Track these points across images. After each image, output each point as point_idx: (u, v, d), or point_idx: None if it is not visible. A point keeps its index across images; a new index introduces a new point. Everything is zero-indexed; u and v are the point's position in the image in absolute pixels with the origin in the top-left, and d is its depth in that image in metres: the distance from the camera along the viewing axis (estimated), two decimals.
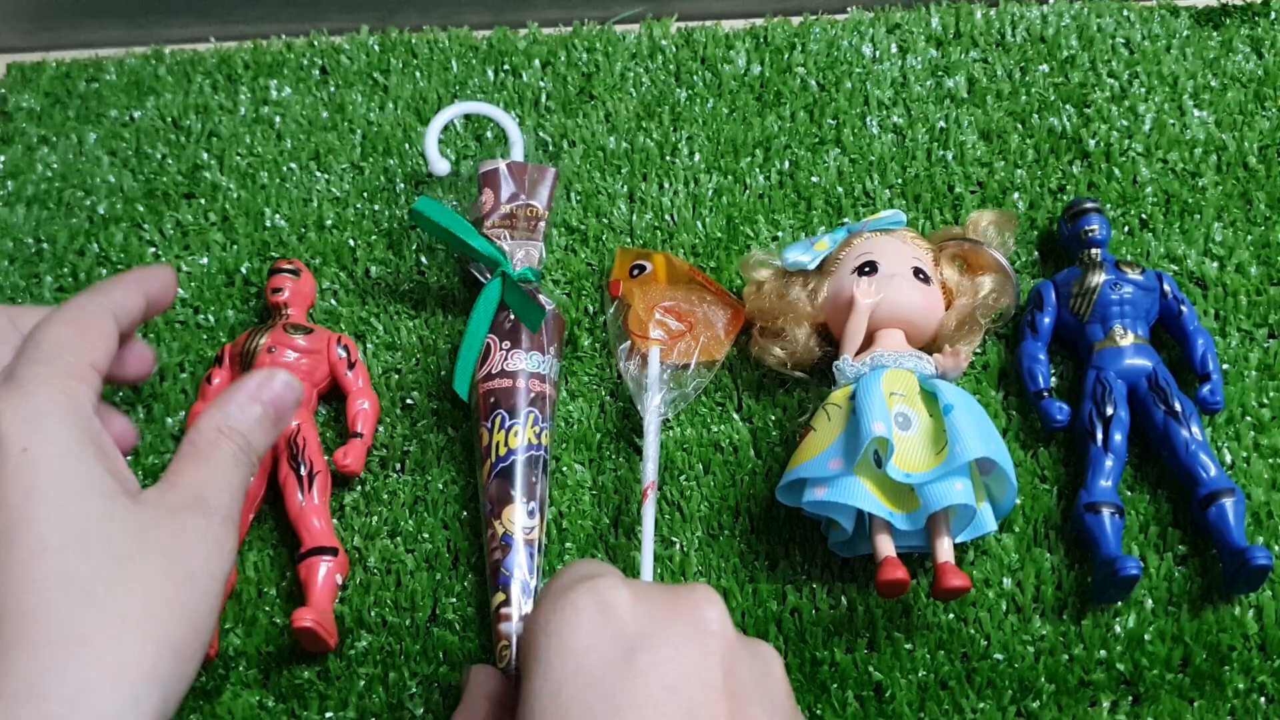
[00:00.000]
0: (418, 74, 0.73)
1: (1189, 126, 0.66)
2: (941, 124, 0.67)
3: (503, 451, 0.53)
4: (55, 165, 0.72)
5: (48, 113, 0.74)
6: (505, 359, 0.55)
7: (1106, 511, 0.52)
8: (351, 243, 0.66)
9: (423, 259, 0.65)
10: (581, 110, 0.70)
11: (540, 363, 0.56)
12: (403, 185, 0.68)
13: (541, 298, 0.58)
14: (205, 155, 0.71)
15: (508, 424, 0.53)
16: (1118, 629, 0.52)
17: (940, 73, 0.70)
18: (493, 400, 0.55)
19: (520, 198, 0.60)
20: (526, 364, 0.55)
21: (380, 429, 0.60)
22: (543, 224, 0.60)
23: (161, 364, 0.63)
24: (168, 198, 0.69)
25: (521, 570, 0.51)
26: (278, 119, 0.72)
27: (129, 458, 0.52)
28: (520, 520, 0.52)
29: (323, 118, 0.72)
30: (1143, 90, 0.68)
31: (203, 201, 0.69)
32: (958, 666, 0.52)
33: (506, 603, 0.50)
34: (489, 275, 0.58)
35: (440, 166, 0.60)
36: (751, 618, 0.53)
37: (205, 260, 0.66)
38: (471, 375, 0.54)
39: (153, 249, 0.67)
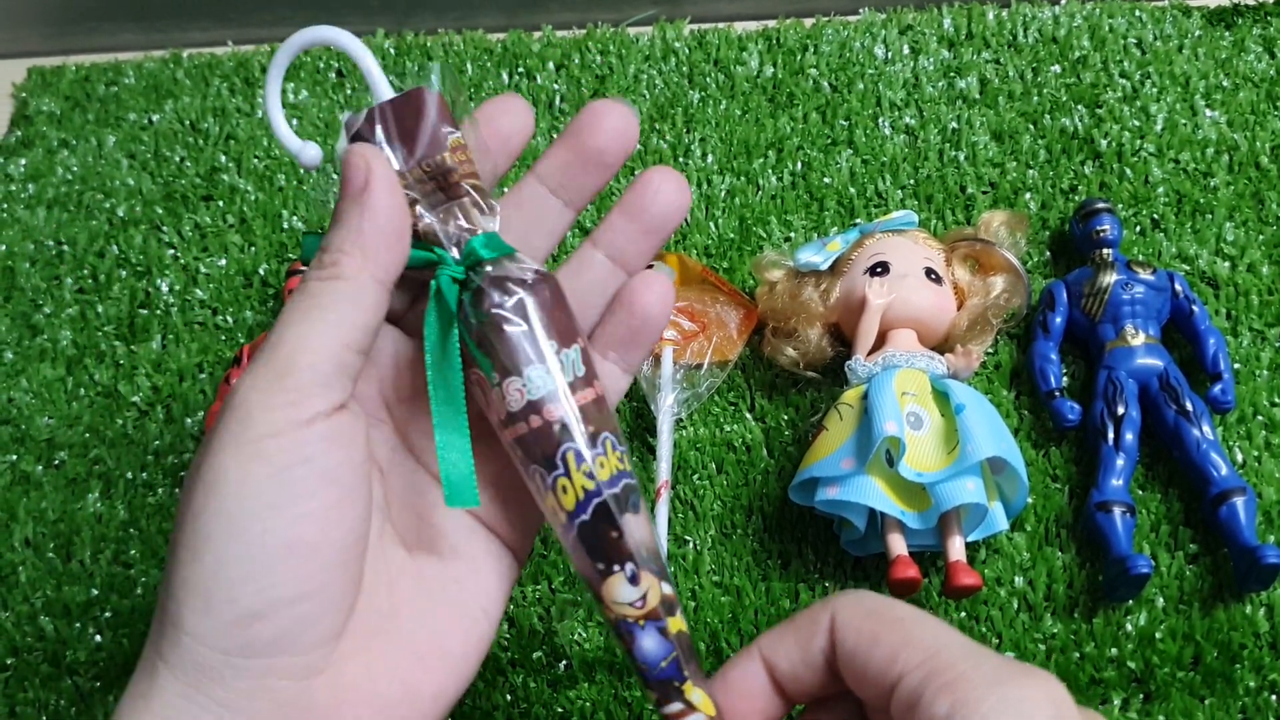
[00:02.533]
0: (433, 77, 0.74)
1: (1201, 126, 0.66)
2: (953, 125, 0.68)
3: (562, 518, 0.35)
4: (75, 168, 0.72)
5: (68, 116, 0.75)
6: (504, 397, 0.35)
7: (1118, 510, 0.52)
8: None
9: None
10: None
11: (551, 368, 0.35)
12: None
13: (514, 268, 0.35)
14: (223, 158, 0.71)
15: (550, 479, 0.35)
16: (1129, 627, 0.52)
17: (952, 74, 0.70)
18: (520, 454, 0.35)
19: (420, 146, 0.36)
20: (538, 385, 0.35)
21: None
22: (464, 166, 0.36)
23: (180, 365, 0.64)
24: (186, 200, 0.70)
25: (659, 656, 0.35)
26: (295, 122, 0.72)
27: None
28: (625, 595, 0.35)
29: (339, 121, 0.72)
30: (1155, 90, 0.68)
31: (221, 204, 0.70)
32: None
33: (665, 702, 0.35)
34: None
35: (310, 153, 0.37)
36: (764, 616, 0.54)
37: (223, 262, 0.67)
38: (470, 466, 0.35)
39: (171, 250, 0.68)
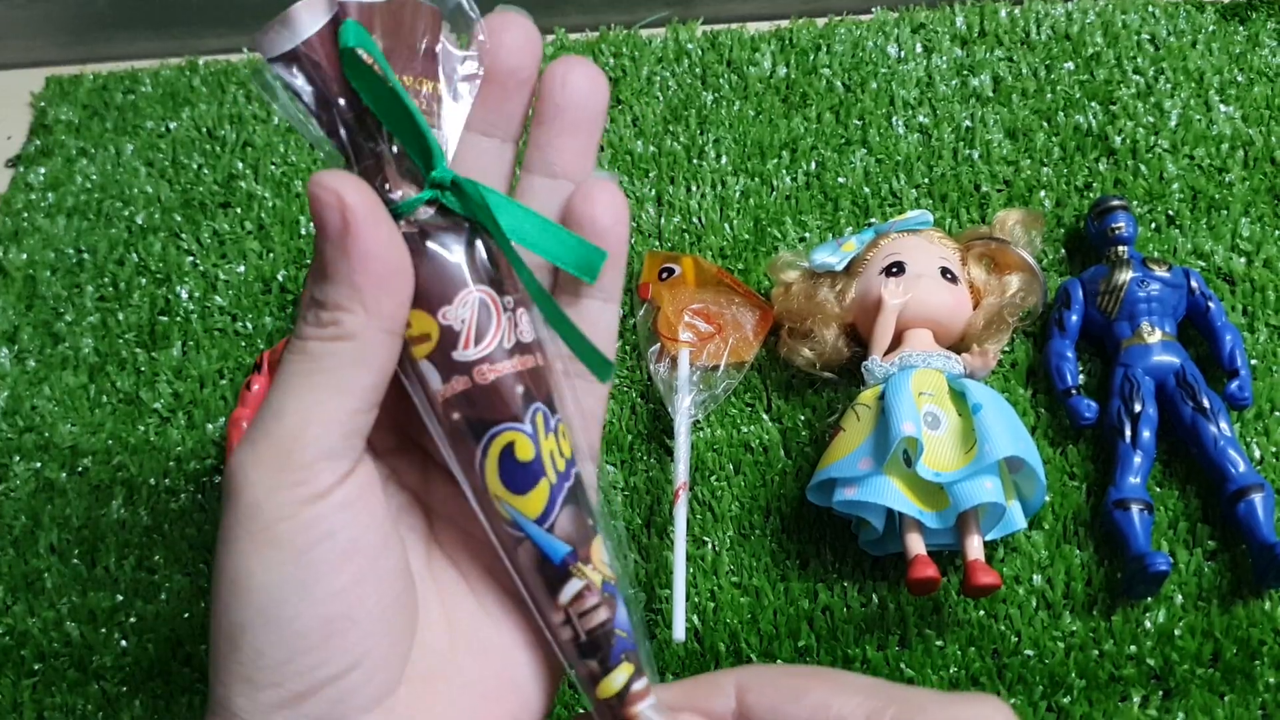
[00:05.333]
0: None
1: (1215, 122, 0.66)
2: (967, 123, 0.68)
3: (561, 465, 0.32)
4: (94, 176, 0.73)
5: (86, 125, 0.76)
6: (516, 324, 0.32)
7: (1135, 508, 0.52)
8: None
9: None
10: (609, 115, 0.71)
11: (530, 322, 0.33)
12: None
13: None
14: (240, 165, 0.72)
15: (554, 422, 0.32)
16: (1148, 624, 0.52)
17: (965, 72, 0.70)
18: (522, 390, 0.32)
19: (408, 59, 0.32)
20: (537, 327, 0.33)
21: None
22: (440, 104, 0.33)
23: (201, 371, 0.64)
24: (204, 207, 0.71)
25: (629, 625, 0.33)
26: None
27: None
28: (608, 557, 0.33)
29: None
30: (1168, 86, 0.68)
31: (239, 210, 0.70)
32: (989, 663, 0.52)
33: (639, 674, 0.32)
34: (402, 190, 0.31)
35: None
36: (784, 616, 0.54)
37: (242, 269, 0.68)
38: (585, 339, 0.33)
39: (190, 258, 0.69)
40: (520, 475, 0.32)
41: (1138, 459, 0.54)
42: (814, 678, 0.31)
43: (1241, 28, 0.70)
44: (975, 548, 0.50)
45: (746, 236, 0.65)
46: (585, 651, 0.32)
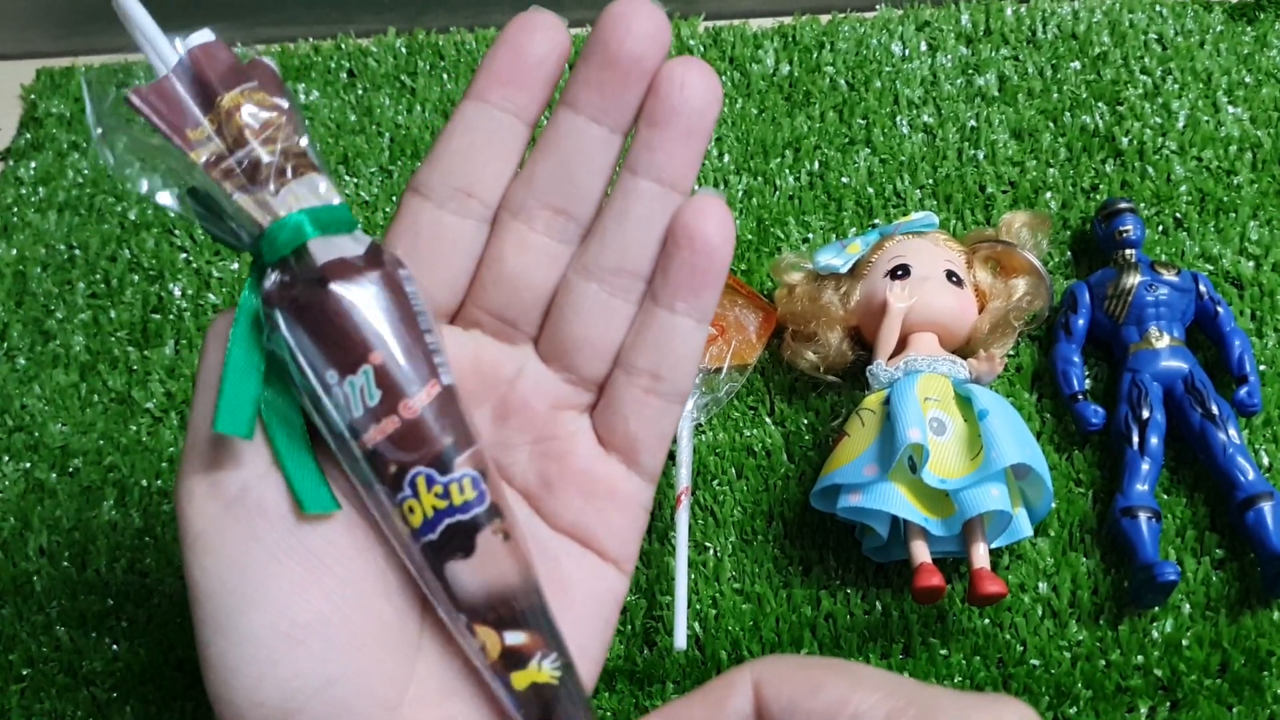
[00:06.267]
0: (445, 76, 0.73)
1: (1223, 123, 0.65)
2: (972, 123, 0.67)
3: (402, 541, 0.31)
4: (86, 171, 0.72)
5: (78, 118, 0.75)
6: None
7: (1143, 516, 0.52)
8: None
9: None
10: None
11: (326, 405, 0.30)
12: None
13: (340, 242, 0.32)
14: None
15: (375, 514, 0.31)
16: (1155, 634, 0.51)
17: (971, 71, 0.69)
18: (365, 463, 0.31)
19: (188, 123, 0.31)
20: (323, 421, 0.30)
21: None
22: (305, 150, 0.33)
23: (193, 370, 0.63)
24: None
25: (512, 706, 0.31)
26: (305, 122, 0.72)
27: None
28: (466, 644, 0.32)
29: (351, 120, 0.72)
30: (1176, 87, 0.67)
31: None
32: (994, 672, 0.51)
33: None
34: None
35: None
36: (786, 623, 0.53)
37: (235, 265, 0.67)
38: (317, 474, 0.30)
39: (184, 254, 0.68)
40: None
41: (1145, 466, 0.53)
42: (832, 671, 0.30)
43: (1249, 28, 0.69)
44: (981, 555, 0.50)
45: (749, 237, 0.64)
46: None
